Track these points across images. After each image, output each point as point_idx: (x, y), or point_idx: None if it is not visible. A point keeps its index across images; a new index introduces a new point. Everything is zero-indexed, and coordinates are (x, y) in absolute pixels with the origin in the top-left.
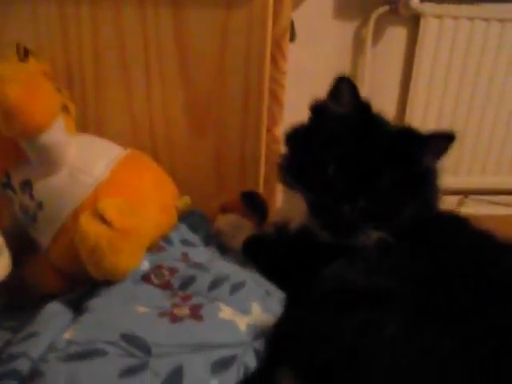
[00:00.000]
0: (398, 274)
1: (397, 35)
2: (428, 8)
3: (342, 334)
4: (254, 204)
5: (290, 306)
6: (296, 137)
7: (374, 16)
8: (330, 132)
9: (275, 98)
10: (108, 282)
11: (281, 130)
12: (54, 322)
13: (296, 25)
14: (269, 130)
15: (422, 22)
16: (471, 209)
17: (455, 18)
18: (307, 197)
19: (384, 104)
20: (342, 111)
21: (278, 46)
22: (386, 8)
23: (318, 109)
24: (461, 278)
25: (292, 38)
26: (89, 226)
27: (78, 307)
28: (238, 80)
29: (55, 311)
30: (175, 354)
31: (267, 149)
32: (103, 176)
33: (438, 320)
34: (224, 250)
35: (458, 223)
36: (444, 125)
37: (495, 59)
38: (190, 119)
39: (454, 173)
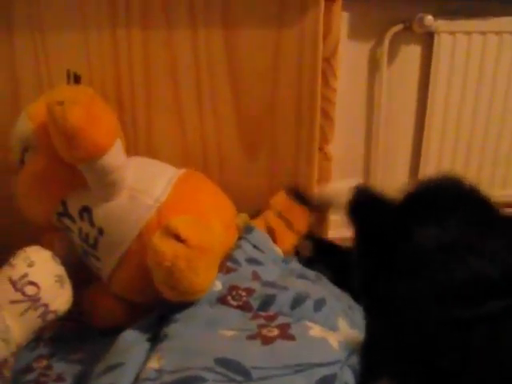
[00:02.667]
0: None
1: (411, 53)
2: (441, 25)
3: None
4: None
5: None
6: None
7: (388, 35)
8: None
9: (326, 116)
10: (181, 306)
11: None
12: (134, 352)
13: None
14: (320, 148)
15: (436, 39)
16: None
17: (468, 33)
18: None
19: (402, 121)
20: None
21: (328, 64)
22: (399, 27)
23: None
24: None
25: None
26: (164, 246)
27: (152, 335)
28: (290, 99)
29: (132, 340)
30: (278, 376)
31: (318, 166)
32: (164, 196)
33: None
34: (291, 266)
35: None
36: (462, 137)
37: (509, 72)
38: (242, 140)
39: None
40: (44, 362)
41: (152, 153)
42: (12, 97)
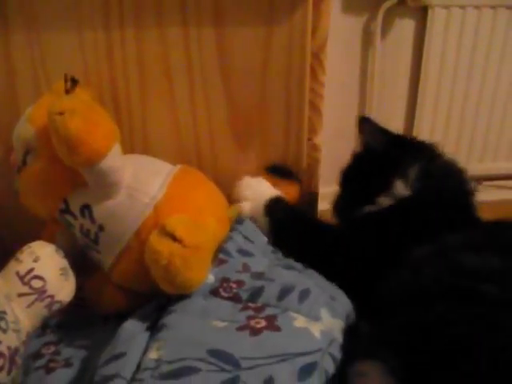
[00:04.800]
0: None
1: (405, 27)
2: None
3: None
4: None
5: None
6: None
7: (382, 9)
8: None
9: (314, 108)
10: (178, 298)
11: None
12: (136, 341)
13: None
14: (309, 139)
15: (430, 13)
16: (485, 195)
17: (462, 7)
18: None
19: (394, 95)
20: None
21: (316, 58)
22: (393, 1)
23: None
24: None
25: None
26: (161, 245)
27: (151, 324)
28: (280, 93)
29: (133, 330)
30: (263, 366)
31: (308, 157)
32: (160, 194)
33: None
34: (279, 256)
35: None
36: (455, 112)
37: (504, 46)
38: (233, 132)
39: (466, 160)
40: (52, 348)
41: (147, 148)
42: (10, 95)
